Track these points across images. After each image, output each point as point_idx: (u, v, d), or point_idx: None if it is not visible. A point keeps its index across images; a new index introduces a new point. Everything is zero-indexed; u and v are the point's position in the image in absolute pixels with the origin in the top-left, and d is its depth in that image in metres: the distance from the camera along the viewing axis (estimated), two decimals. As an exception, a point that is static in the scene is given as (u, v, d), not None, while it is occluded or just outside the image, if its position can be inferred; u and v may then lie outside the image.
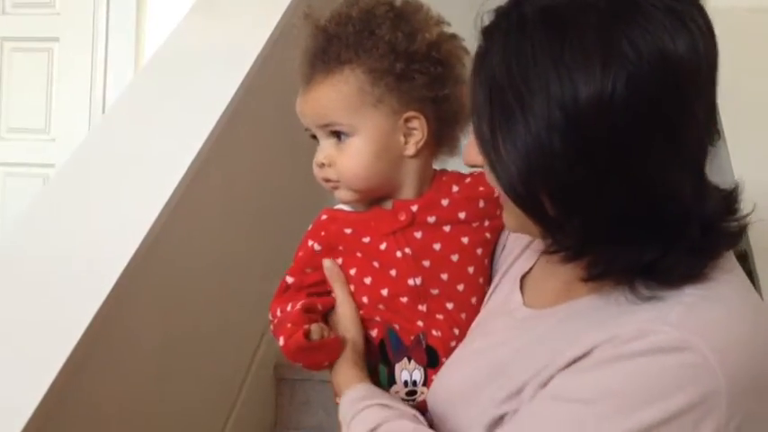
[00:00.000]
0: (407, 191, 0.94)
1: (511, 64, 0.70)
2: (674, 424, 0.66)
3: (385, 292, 0.93)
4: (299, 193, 1.79)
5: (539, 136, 0.68)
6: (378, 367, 0.93)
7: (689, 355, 0.66)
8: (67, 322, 1.30)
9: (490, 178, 0.76)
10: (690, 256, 0.71)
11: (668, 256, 0.70)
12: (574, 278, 0.76)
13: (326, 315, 0.96)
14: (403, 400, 0.90)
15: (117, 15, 3.23)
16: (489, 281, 0.96)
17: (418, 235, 0.93)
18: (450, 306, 0.93)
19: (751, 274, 1.54)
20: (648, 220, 0.70)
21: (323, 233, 0.96)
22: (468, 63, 0.86)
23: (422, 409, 0.90)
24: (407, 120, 0.91)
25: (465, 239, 0.94)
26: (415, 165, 0.93)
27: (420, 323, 0.92)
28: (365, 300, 0.94)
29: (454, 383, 0.87)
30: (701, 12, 0.71)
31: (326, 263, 0.96)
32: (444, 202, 0.94)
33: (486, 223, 0.95)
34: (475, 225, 0.94)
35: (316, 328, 0.89)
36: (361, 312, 0.94)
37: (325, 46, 0.90)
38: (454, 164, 0.98)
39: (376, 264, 0.93)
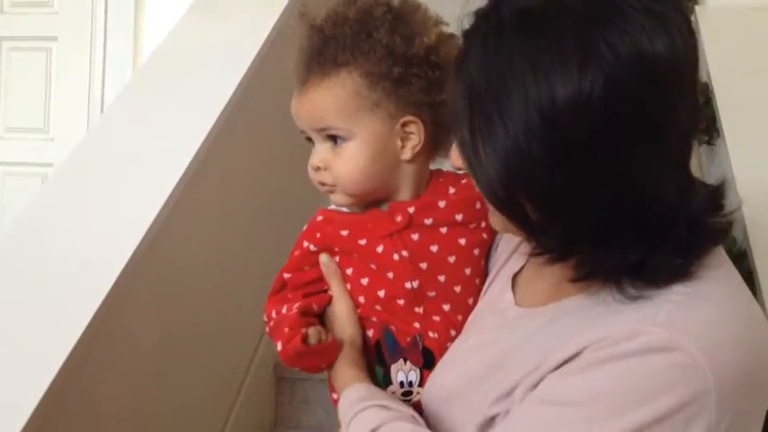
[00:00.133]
0: (404, 193, 0.94)
1: (489, 68, 0.70)
2: (664, 424, 0.66)
3: (382, 293, 0.93)
4: (297, 192, 1.79)
5: (517, 140, 0.68)
6: (374, 367, 0.93)
7: (677, 356, 0.67)
8: (67, 322, 1.30)
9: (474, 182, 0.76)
10: (676, 255, 0.71)
11: (654, 256, 0.70)
12: (562, 278, 0.77)
13: (322, 316, 0.96)
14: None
15: (115, 15, 3.23)
16: (485, 281, 0.96)
17: (415, 237, 0.92)
18: (446, 308, 0.93)
19: (751, 273, 1.54)
20: (633, 221, 0.69)
21: (318, 234, 0.95)
22: None
23: (417, 408, 0.89)
24: (404, 124, 0.90)
25: (462, 241, 0.93)
26: (412, 168, 0.93)
27: (417, 324, 0.92)
28: (362, 300, 0.94)
29: (448, 381, 0.87)
30: (681, 12, 0.71)
31: (323, 258, 0.95)
32: (441, 204, 0.93)
33: (483, 224, 0.94)
34: (472, 226, 0.94)
35: (313, 332, 0.88)
36: (358, 311, 0.94)
37: (321, 47, 0.89)
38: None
39: (373, 266, 0.93)
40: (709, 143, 2.11)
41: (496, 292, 0.91)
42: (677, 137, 0.70)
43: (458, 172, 0.90)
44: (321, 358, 0.91)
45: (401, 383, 0.92)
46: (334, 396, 0.94)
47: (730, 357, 0.68)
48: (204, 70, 1.86)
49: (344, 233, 0.94)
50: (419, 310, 0.92)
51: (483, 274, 0.96)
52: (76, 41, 3.25)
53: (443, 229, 0.93)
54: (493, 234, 0.96)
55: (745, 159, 1.75)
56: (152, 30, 3.11)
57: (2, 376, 1.23)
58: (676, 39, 0.68)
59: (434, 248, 0.92)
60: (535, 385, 0.73)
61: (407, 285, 0.92)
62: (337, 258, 0.95)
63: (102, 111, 3.16)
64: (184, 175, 1.59)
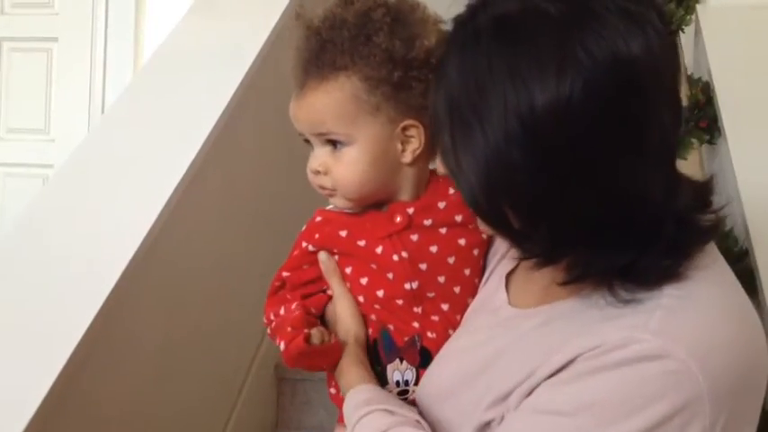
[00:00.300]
0: (404, 195, 0.93)
1: (467, 76, 0.70)
2: (659, 431, 0.66)
3: (381, 293, 0.92)
4: (298, 193, 1.79)
5: (497, 147, 0.68)
6: (372, 366, 0.93)
7: (669, 363, 0.66)
8: (68, 323, 1.30)
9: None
10: (666, 255, 0.70)
11: (644, 257, 0.70)
12: (552, 281, 0.76)
13: (322, 317, 0.95)
14: None
15: (116, 16, 3.23)
16: None
17: (414, 238, 0.92)
18: (445, 307, 0.93)
19: (752, 273, 1.53)
20: (620, 223, 0.69)
21: (317, 235, 0.95)
22: None
23: (412, 406, 0.89)
24: (405, 128, 0.89)
25: (462, 241, 0.93)
26: (412, 171, 0.92)
27: (416, 324, 0.92)
28: (361, 299, 0.94)
29: (443, 379, 0.87)
30: (659, 12, 0.70)
31: (322, 256, 0.95)
32: (441, 205, 0.93)
33: None
34: (471, 227, 0.93)
35: (316, 333, 0.88)
36: None
37: (319, 50, 0.88)
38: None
39: (373, 265, 0.93)
40: (711, 142, 2.11)
41: (491, 290, 0.91)
42: (660, 137, 0.69)
43: None
44: (323, 359, 0.90)
45: (397, 383, 0.91)
46: (332, 390, 0.94)
47: (723, 361, 0.68)
48: (205, 71, 1.86)
49: (343, 234, 0.94)
50: (418, 310, 0.92)
51: (482, 274, 0.96)
52: (77, 42, 3.25)
53: (443, 230, 0.93)
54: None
55: (746, 158, 1.75)
56: (153, 31, 3.11)
57: (3, 378, 1.23)
58: (653, 39, 0.68)
59: (434, 249, 0.92)
60: (530, 392, 0.73)
61: (407, 286, 0.91)
62: (336, 257, 0.95)
63: (102, 112, 3.16)
64: (185, 176, 1.59)
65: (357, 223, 0.94)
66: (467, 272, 0.94)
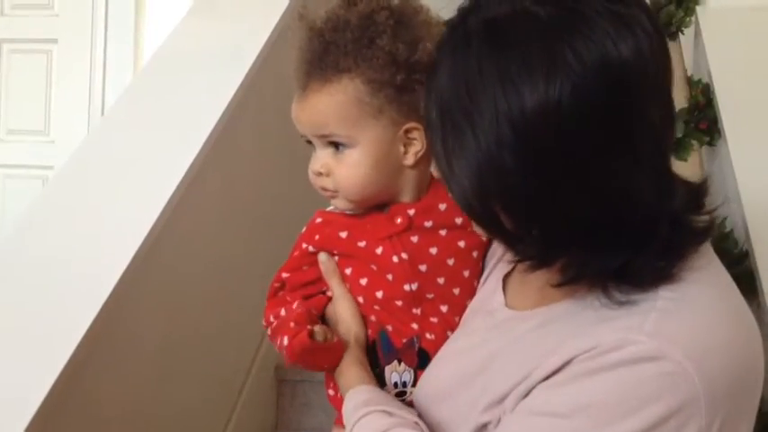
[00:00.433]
0: (405, 197, 0.93)
1: (458, 80, 0.71)
2: None
3: (380, 294, 0.92)
4: (298, 194, 1.79)
5: (489, 151, 0.68)
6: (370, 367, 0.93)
7: (665, 364, 0.66)
8: (68, 324, 1.30)
9: None
10: (660, 257, 0.70)
11: (638, 259, 0.70)
12: (547, 283, 0.76)
13: (322, 318, 0.95)
14: None
15: (116, 17, 3.23)
16: None
17: (414, 239, 0.92)
18: (444, 309, 0.93)
19: (752, 275, 1.54)
20: (613, 225, 0.69)
21: (317, 237, 0.95)
22: None
23: (410, 407, 0.89)
24: (408, 131, 0.89)
25: (461, 243, 0.93)
26: (414, 173, 0.92)
27: (414, 326, 0.92)
28: (360, 300, 0.94)
29: (441, 380, 0.87)
30: (649, 14, 0.70)
31: (322, 257, 0.95)
32: (441, 207, 0.93)
33: None
34: (470, 229, 0.93)
35: (319, 330, 0.88)
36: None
37: (322, 52, 0.87)
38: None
39: (374, 266, 0.93)
40: (711, 144, 2.12)
41: (489, 292, 0.91)
42: (651, 138, 0.69)
43: None
44: (325, 357, 0.90)
45: (395, 384, 0.91)
46: (330, 392, 0.95)
47: (719, 362, 0.68)
48: (205, 72, 1.86)
49: (343, 235, 0.94)
50: (417, 311, 0.92)
51: (480, 276, 0.96)
52: (77, 43, 3.26)
53: (443, 232, 0.93)
54: (491, 236, 0.96)
55: (746, 160, 1.75)
56: (152, 32, 3.11)
57: (5, 378, 1.23)
58: (642, 41, 0.68)
59: (434, 251, 0.92)
60: (526, 395, 0.73)
61: (406, 287, 0.91)
62: (336, 258, 0.95)
63: (102, 113, 3.16)
64: (185, 177, 1.59)
65: (357, 224, 0.94)
66: (466, 274, 0.94)
